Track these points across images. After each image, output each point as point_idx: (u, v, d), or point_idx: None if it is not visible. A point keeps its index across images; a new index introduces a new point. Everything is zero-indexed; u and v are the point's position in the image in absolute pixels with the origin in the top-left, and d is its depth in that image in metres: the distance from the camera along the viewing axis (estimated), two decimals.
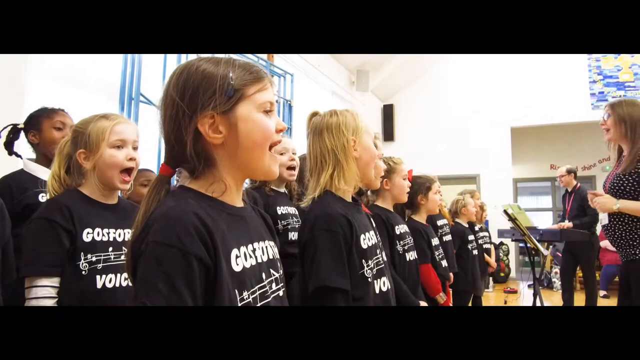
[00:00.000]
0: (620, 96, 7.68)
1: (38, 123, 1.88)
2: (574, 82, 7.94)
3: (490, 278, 6.89)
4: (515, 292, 6.94)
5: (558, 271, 6.42)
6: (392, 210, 2.24)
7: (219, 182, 0.86)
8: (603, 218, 2.62)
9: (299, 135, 5.60)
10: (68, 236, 1.31)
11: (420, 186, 2.62)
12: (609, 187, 2.52)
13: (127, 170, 1.44)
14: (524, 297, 6.22)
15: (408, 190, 2.26)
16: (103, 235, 1.38)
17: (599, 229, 3.97)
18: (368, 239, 1.37)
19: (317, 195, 1.36)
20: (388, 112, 9.15)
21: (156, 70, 3.72)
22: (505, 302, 6.10)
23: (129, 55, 3.48)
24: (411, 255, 2.17)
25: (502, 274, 7.86)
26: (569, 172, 5.24)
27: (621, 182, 2.41)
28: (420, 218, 2.64)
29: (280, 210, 2.18)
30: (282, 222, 2.16)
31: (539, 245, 3.01)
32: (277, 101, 5.21)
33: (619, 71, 7.75)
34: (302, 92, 6.02)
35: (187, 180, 0.88)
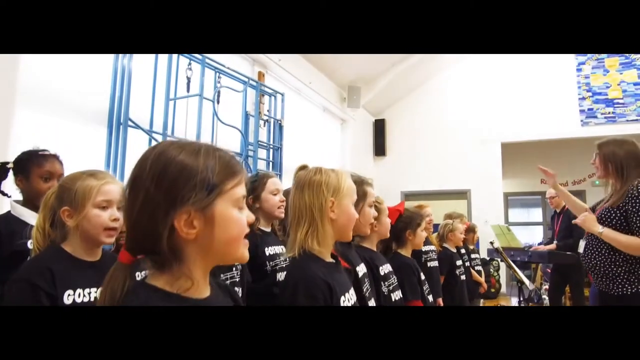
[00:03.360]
0: (609, 112, 7.76)
1: (26, 169, 1.86)
2: (564, 98, 8.01)
3: (482, 300, 6.90)
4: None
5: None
6: (375, 249, 2.25)
7: (186, 279, 0.82)
8: (581, 245, 2.67)
9: (288, 154, 5.62)
10: (49, 299, 1.31)
11: (410, 221, 2.62)
12: (597, 219, 2.56)
13: (111, 229, 1.44)
14: None
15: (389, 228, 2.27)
16: (84, 295, 1.37)
17: None
18: (348, 299, 1.37)
19: (296, 254, 1.37)
20: (380, 127, 9.18)
21: (145, 95, 3.72)
22: None
23: (118, 80, 3.49)
24: (396, 295, 2.18)
25: (492, 290, 7.86)
26: None
27: (610, 215, 2.47)
28: (407, 252, 2.63)
29: (268, 250, 2.17)
30: (270, 263, 2.15)
31: (524, 278, 3.05)
32: (267, 121, 5.22)
33: (607, 88, 7.82)
34: (293, 109, 6.04)
35: (150, 272, 0.84)
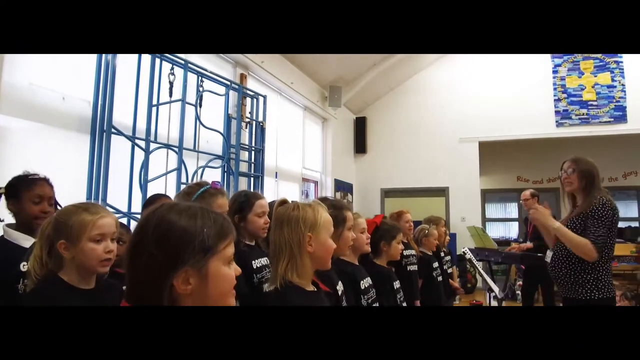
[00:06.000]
0: (583, 114, 7.98)
1: (17, 193, 1.89)
2: (540, 99, 8.23)
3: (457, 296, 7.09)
4: (481, 304, 7.15)
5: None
6: (357, 262, 2.33)
7: None
8: (548, 255, 2.82)
9: (270, 154, 5.69)
10: None
11: (385, 233, 2.71)
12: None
13: (106, 260, 1.51)
14: None
15: (367, 241, 2.35)
16: None
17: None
18: None
19: (278, 286, 1.45)
20: (360, 125, 9.29)
21: (128, 102, 3.74)
22: None
23: (101, 88, 3.50)
24: None
25: (469, 285, 8.08)
26: (532, 195, 5.42)
27: (574, 222, 2.63)
28: (382, 262, 2.72)
29: (255, 263, 2.24)
30: (257, 275, 2.22)
31: (494, 286, 3.19)
32: (249, 122, 5.26)
33: (582, 90, 8.04)
34: (275, 109, 6.10)
35: None
